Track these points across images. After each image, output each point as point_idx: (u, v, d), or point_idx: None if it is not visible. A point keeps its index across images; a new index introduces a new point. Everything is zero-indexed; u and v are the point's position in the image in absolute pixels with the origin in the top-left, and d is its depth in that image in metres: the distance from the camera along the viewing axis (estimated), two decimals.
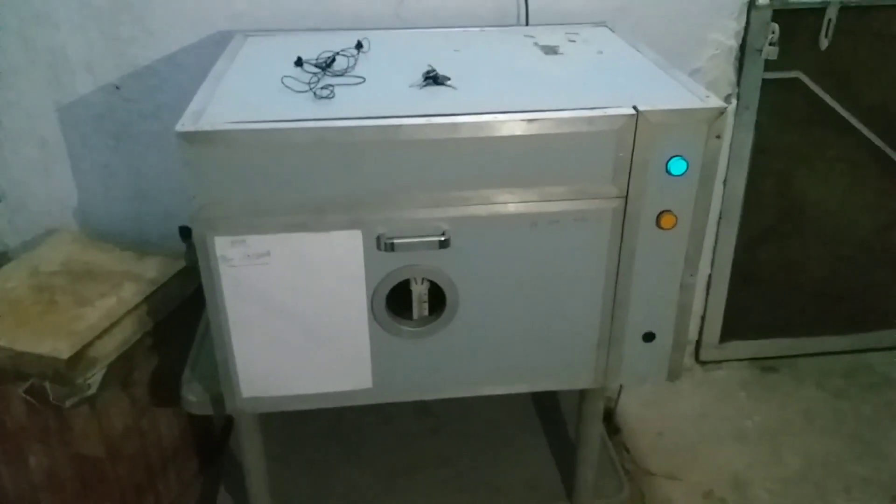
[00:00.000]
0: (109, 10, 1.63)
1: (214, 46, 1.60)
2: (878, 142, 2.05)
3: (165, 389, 1.52)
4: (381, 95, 1.22)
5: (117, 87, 1.71)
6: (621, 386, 1.96)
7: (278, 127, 1.07)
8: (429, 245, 1.17)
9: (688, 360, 2.29)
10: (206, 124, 1.07)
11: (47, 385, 1.39)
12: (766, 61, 1.87)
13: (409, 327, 1.25)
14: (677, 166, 1.15)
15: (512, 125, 1.11)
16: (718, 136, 1.15)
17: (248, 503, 1.46)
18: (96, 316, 1.46)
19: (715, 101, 1.16)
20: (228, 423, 1.77)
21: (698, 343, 2.27)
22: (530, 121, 1.11)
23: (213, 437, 1.83)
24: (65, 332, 1.41)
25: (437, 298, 1.24)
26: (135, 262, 1.64)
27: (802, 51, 1.90)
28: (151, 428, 1.61)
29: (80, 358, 1.39)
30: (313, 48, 1.36)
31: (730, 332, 2.26)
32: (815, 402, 2.14)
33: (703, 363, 2.29)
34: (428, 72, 1.25)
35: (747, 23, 1.84)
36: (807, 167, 2.08)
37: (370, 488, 1.58)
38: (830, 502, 1.82)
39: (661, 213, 1.19)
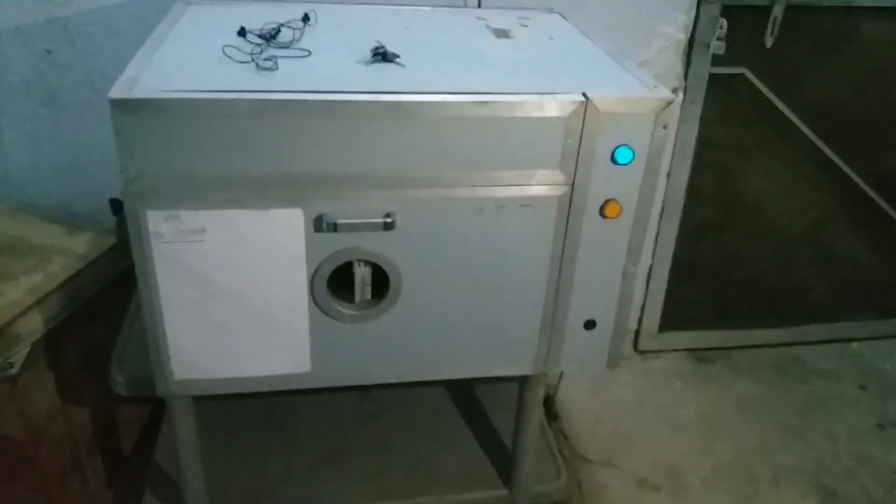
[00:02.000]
0: None
1: (154, 13, 1.53)
2: (816, 140, 2.11)
3: (94, 370, 1.47)
4: (326, 70, 1.18)
5: (48, 52, 1.62)
6: (562, 373, 1.97)
7: (217, 97, 1.02)
8: (373, 227, 1.14)
9: (626, 349, 2.32)
10: (140, 92, 1.02)
11: None
12: (714, 56, 1.90)
13: (351, 311, 1.22)
14: (623, 155, 1.15)
15: (461, 107, 1.09)
16: (665, 127, 1.15)
17: (180, 489, 1.41)
18: (20, 291, 1.39)
19: (663, 92, 1.16)
20: (159, 405, 1.72)
21: (637, 333, 2.31)
22: (480, 103, 1.09)
23: (142, 420, 1.78)
24: None
25: (381, 282, 1.21)
26: (64, 236, 1.57)
27: (748, 47, 1.93)
28: (78, 410, 1.55)
29: (1, 335, 1.33)
30: (258, 19, 1.31)
31: (668, 322, 2.30)
32: (748, 393, 2.20)
33: (642, 353, 2.33)
34: (376, 48, 1.22)
35: (697, 17, 1.86)
36: (748, 162, 2.12)
37: (307, 473, 1.55)
38: (760, 490, 1.88)
39: (606, 201, 1.19)
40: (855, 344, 2.44)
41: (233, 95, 1.03)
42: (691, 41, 1.89)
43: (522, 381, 1.43)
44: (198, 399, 1.31)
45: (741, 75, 1.97)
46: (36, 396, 1.43)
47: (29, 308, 1.39)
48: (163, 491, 1.49)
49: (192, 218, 1.08)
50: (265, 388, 1.27)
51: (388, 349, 1.27)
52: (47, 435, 1.47)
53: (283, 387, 1.27)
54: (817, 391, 2.23)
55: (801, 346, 2.41)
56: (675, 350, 2.34)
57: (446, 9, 1.63)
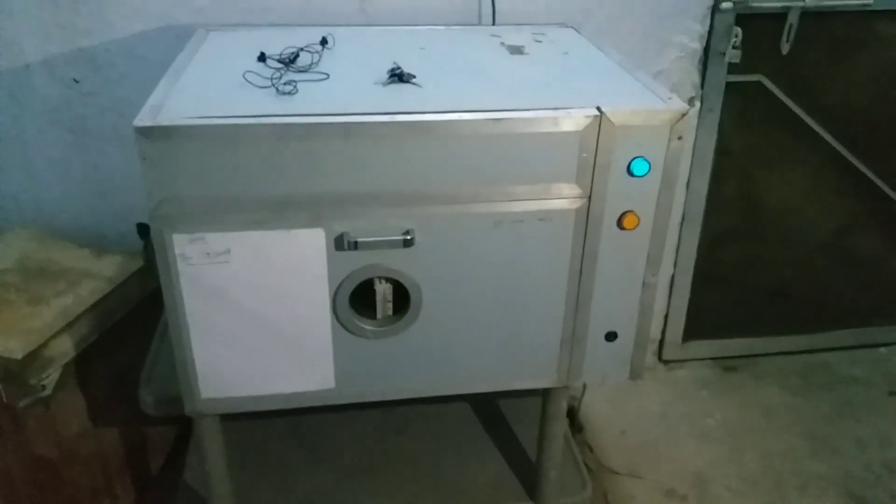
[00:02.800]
0: (66, 2, 1.59)
1: (175, 40, 1.57)
2: (836, 145, 2.09)
3: (123, 390, 1.49)
4: (345, 92, 1.20)
5: (76, 81, 1.67)
6: (585, 385, 1.97)
7: (239, 122, 1.05)
8: (392, 244, 1.16)
9: (650, 359, 2.31)
10: (164, 119, 1.05)
11: (0, 385, 1.35)
12: (730, 64, 1.90)
13: (373, 327, 1.24)
14: (640, 167, 1.16)
15: (477, 125, 1.11)
16: (680, 138, 1.16)
17: None
18: (52, 315, 1.43)
19: (677, 103, 1.17)
20: (187, 423, 1.74)
21: (661, 342, 2.30)
22: (495, 120, 1.11)
23: (171, 439, 1.80)
24: (19, 332, 1.37)
25: (401, 298, 1.23)
26: (92, 260, 1.61)
27: (765, 55, 1.93)
28: (108, 429, 1.57)
29: (34, 358, 1.36)
30: (276, 44, 1.34)
31: (692, 331, 2.29)
32: (774, 401, 2.18)
33: (666, 362, 2.32)
34: (393, 69, 1.24)
35: (711, 26, 1.86)
36: (768, 169, 2.11)
37: (332, 489, 1.56)
38: (788, 499, 1.86)
39: (624, 213, 1.20)
40: (882, 349, 2.40)
41: (254, 120, 1.05)
42: (706, 50, 1.89)
43: (545, 394, 1.43)
44: (225, 417, 1.33)
45: (758, 83, 1.97)
46: (67, 417, 1.46)
47: (60, 331, 1.42)
48: None
49: (217, 240, 1.11)
50: (291, 405, 1.29)
51: (410, 364, 1.28)
52: (79, 455, 1.50)
53: (307, 403, 1.29)
54: (845, 397, 2.20)
55: (827, 352, 2.38)
56: (699, 359, 2.33)
57: (461, 27, 1.65)
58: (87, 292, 1.50)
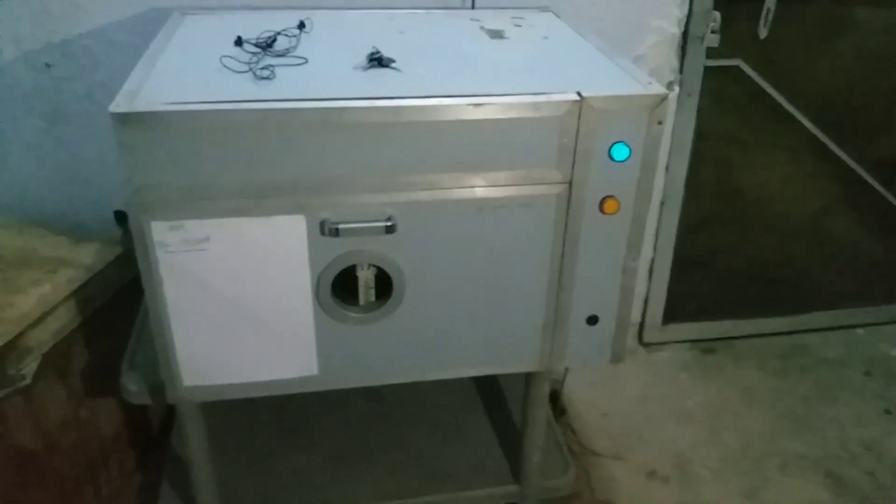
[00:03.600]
0: None
1: (151, 24, 1.54)
2: (814, 130, 2.11)
3: (104, 379, 1.48)
4: (324, 77, 1.20)
5: (48, 65, 1.64)
6: (567, 368, 1.98)
7: (217, 108, 1.04)
8: (374, 230, 1.16)
9: (631, 342, 2.33)
10: (141, 105, 1.03)
11: None
12: (708, 49, 1.90)
13: (356, 313, 1.24)
14: (620, 152, 1.17)
15: (458, 109, 1.10)
16: (660, 122, 1.16)
17: (191, 494, 1.43)
18: (29, 304, 1.41)
19: (657, 88, 1.17)
20: (169, 412, 1.73)
21: (641, 325, 2.32)
22: (476, 105, 1.11)
23: (153, 427, 1.79)
24: None
25: (384, 284, 1.23)
26: (70, 247, 1.59)
27: (743, 39, 1.94)
28: (90, 419, 1.56)
29: (12, 347, 1.34)
30: (253, 27, 1.33)
31: (672, 314, 2.31)
32: (754, 383, 2.21)
33: (647, 345, 2.34)
34: (372, 53, 1.23)
35: (690, 10, 1.87)
36: (747, 154, 2.13)
37: (317, 475, 1.57)
38: (768, 478, 1.89)
39: (605, 198, 1.20)
40: (860, 330, 2.44)
41: (232, 106, 1.04)
42: (685, 34, 1.89)
43: (528, 378, 1.44)
44: (206, 404, 1.33)
45: (736, 67, 1.98)
46: (49, 406, 1.45)
47: (39, 319, 1.40)
48: (176, 496, 1.51)
49: (196, 227, 1.10)
50: (274, 392, 1.29)
51: (393, 350, 1.28)
52: (61, 444, 1.49)
53: (291, 390, 1.29)
54: (823, 378, 2.23)
55: (805, 333, 2.41)
56: (679, 342, 2.35)
57: (441, 11, 1.64)
58: (66, 280, 1.48)
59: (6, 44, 1.61)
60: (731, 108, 2.04)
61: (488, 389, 1.79)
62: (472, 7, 1.69)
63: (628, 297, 1.31)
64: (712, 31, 1.86)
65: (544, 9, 1.67)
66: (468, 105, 1.10)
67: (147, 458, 1.75)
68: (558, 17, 1.62)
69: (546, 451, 1.54)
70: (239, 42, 1.28)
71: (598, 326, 1.32)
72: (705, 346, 2.35)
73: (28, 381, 1.37)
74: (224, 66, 1.19)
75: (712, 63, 1.94)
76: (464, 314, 1.28)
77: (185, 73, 1.18)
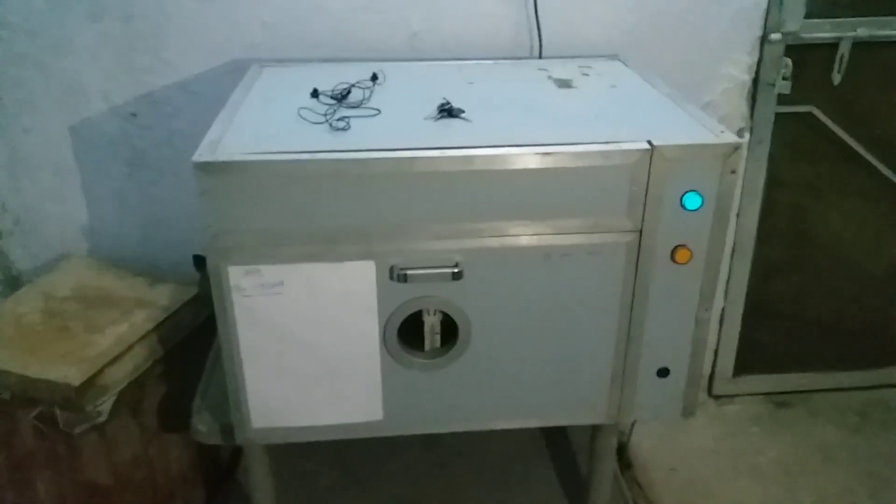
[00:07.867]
0: (126, 39, 1.65)
1: (229, 75, 1.61)
2: (890, 175, 2.04)
3: (175, 418, 1.52)
4: (396, 127, 1.22)
5: (133, 115, 1.72)
6: (634, 420, 1.93)
7: (295, 158, 1.08)
8: (442, 276, 1.17)
9: (700, 393, 2.26)
10: (222, 155, 1.08)
11: (57, 411, 1.39)
12: (780, 95, 1.87)
13: (421, 359, 1.24)
14: (692, 201, 1.15)
15: (526, 158, 1.11)
16: (733, 172, 1.15)
17: None
18: (107, 343, 1.46)
19: (730, 137, 1.16)
20: (236, 451, 1.76)
21: (711, 377, 2.25)
22: (544, 154, 1.11)
23: (220, 466, 1.82)
24: (76, 359, 1.41)
25: (450, 330, 1.23)
26: (147, 288, 1.64)
27: (815, 85, 1.90)
28: (160, 456, 1.59)
29: (90, 385, 1.39)
30: (328, 79, 1.37)
31: (743, 366, 2.24)
32: (830, 439, 2.11)
33: (716, 397, 2.26)
34: (442, 104, 1.26)
35: (760, 57, 1.84)
36: (820, 201, 2.07)
37: None
38: None
39: (676, 247, 1.19)
40: None
41: (309, 156, 1.08)
42: (756, 81, 1.87)
43: (594, 430, 1.41)
44: (273, 446, 1.34)
45: (809, 113, 1.94)
46: (121, 443, 1.49)
47: (115, 358, 1.45)
48: None
49: (271, 272, 1.13)
50: (339, 437, 1.29)
51: (458, 397, 1.28)
52: (132, 480, 1.52)
53: (356, 435, 1.30)
54: None
55: (885, 388, 2.30)
56: (751, 394, 2.27)
57: (509, 61, 1.66)
58: (142, 320, 1.53)
59: (94, 95, 1.71)
60: (803, 154, 1.99)
61: (553, 437, 1.76)
62: (540, 57, 1.71)
63: (700, 350, 1.28)
64: (784, 78, 1.83)
65: (612, 57, 1.68)
66: (537, 154, 1.11)
67: (214, 496, 1.77)
68: (626, 65, 1.62)
69: None
70: (315, 94, 1.32)
71: (668, 379, 1.29)
72: (778, 399, 2.27)
73: (104, 417, 1.41)
74: (301, 117, 1.23)
75: (784, 109, 1.90)
76: (530, 363, 1.26)
77: (264, 123, 1.23)
